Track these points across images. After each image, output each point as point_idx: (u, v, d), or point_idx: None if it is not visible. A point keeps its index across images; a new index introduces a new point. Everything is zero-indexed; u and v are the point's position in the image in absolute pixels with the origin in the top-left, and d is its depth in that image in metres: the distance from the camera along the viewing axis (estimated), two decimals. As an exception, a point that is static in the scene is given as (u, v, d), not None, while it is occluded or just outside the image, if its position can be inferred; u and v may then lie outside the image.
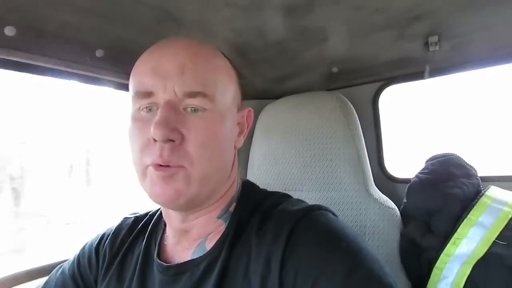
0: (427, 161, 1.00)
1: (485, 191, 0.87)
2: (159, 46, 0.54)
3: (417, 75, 1.13)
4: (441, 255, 0.81)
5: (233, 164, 0.60)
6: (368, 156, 1.03)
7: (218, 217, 0.58)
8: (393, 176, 1.21)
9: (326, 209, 0.55)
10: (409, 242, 0.87)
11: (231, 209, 0.59)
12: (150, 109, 0.51)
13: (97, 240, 0.69)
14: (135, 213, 0.74)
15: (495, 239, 0.77)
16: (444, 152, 0.99)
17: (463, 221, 0.82)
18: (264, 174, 1.09)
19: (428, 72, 0.99)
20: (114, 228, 0.70)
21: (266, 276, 0.48)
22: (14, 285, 0.79)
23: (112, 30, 0.77)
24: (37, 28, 0.70)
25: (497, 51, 0.98)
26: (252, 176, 1.14)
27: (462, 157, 0.97)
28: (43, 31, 0.71)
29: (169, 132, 0.47)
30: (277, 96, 1.20)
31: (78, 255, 0.70)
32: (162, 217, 0.65)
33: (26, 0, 0.63)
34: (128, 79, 0.96)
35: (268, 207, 0.57)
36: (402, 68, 1.12)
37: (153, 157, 0.48)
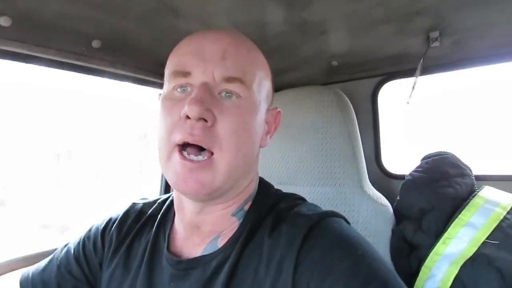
0: (422, 159, 1.00)
1: (478, 192, 0.87)
2: (202, 32, 0.55)
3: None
4: (431, 253, 0.82)
5: (256, 162, 0.60)
6: (366, 151, 1.03)
7: (233, 214, 0.57)
8: (390, 172, 1.22)
9: (340, 216, 0.55)
10: (400, 239, 0.88)
11: (246, 207, 0.58)
12: (184, 90, 0.52)
13: (104, 224, 0.69)
14: (143, 199, 0.73)
15: (486, 239, 0.77)
16: (440, 151, 0.99)
17: (454, 221, 0.82)
18: (259, 167, 1.09)
19: (422, 69, 0.98)
20: (121, 213, 0.69)
21: (277, 280, 0.48)
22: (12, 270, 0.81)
23: (109, 21, 0.77)
24: (33, 18, 0.69)
25: (498, 49, 0.97)
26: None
27: (457, 156, 0.96)
28: (39, 21, 0.70)
29: (203, 111, 0.47)
30: (276, 89, 1.19)
31: (84, 237, 0.69)
32: (172, 207, 0.64)
33: None
34: (125, 69, 0.97)
35: (282, 209, 0.56)
36: (402, 63, 1.11)
37: (184, 134, 0.48)
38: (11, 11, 0.66)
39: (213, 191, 0.50)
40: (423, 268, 0.82)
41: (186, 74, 0.51)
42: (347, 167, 0.97)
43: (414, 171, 0.98)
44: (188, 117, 0.48)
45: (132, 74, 0.99)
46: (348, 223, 0.55)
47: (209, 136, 0.48)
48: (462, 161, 0.96)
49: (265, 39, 0.95)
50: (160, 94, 0.57)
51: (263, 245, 0.52)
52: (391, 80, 1.20)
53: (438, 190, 0.88)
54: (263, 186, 0.63)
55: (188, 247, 0.58)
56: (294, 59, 1.10)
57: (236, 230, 0.56)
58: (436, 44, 0.91)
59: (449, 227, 0.82)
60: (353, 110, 1.03)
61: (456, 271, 0.76)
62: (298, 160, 1.03)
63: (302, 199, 0.61)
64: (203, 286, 0.52)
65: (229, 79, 0.50)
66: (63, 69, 0.83)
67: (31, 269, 0.69)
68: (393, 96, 1.24)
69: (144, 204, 0.71)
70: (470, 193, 0.88)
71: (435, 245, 0.82)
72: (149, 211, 0.68)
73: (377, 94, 1.22)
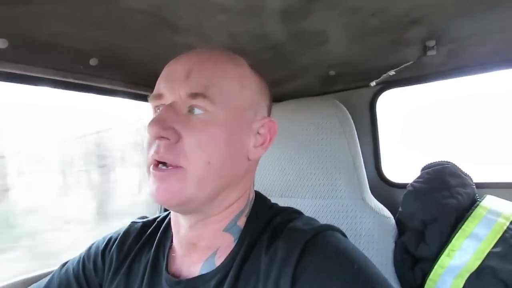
0: (422, 170, 1.00)
1: (480, 201, 0.86)
2: (180, 55, 0.57)
3: (414, 80, 1.13)
4: (435, 266, 0.81)
5: (245, 175, 0.59)
6: (366, 160, 1.02)
7: (225, 230, 0.57)
8: (390, 181, 1.21)
9: (336, 230, 0.54)
10: (403, 251, 0.87)
11: (240, 223, 0.58)
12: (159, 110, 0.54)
13: (104, 243, 0.69)
14: (143, 218, 0.73)
15: (490, 250, 0.76)
16: (440, 161, 0.98)
17: (457, 232, 0.82)
18: (259, 180, 1.09)
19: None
20: (121, 233, 0.69)
21: None
22: None
23: (106, 38, 0.76)
24: (30, 39, 0.69)
25: (494, 57, 0.97)
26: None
27: (458, 166, 0.96)
28: (35, 42, 0.70)
29: (161, 130, 0.49)
30: (274, 100, 1.19)
31: (84, 256, 0.69)
32: (170, 225, 0.64)
33: (17, 12, 0.62)
34: (123, 86, 0.97)
35: (278, 224, 0.56)
36: (400, 72, 1.11)
37: (152, 152, 0.51)
38: (7, 33, 0.66)
39: (185, 200, 0.51)
40: (428, 281, 0.82)
41: (159, 96, 0.54)
42: (348, 179, 0.97)
43: (415, 181, 0.98)
44: None
45: (130, 90, 0.99)
46: (345, 235, 0.55)
47: (174, 154, 0.50)
48: (463, 170, 0.96)
49: (263, 50, 0.95)
50: None
51: (260, 263, 0.52)
52: (389, 89, 1.20)
53: (440, 201, 0.87)
54: (259, 200, 0.63)
55: (187, 265, 0.58)
56: (292, 69, 1.10)
57: (233, 248, 0.55)
58: (433, 52, 0.91)
59: (452, 238, 0.82)
60: (352, 121, 1.03)
61: (462, 285, 0.76)
62: (298, 172, 1.02)
63: (299, 213, 0.61)
64: None
65: (192, 95, 0.51)
66: (61, 88, 0.83)
67: None
68: (392, 105, 1.25)
69: (144, 223, 0.71)
70: (472, 203, 0.87)
71: (439, 258, 0.81)
72: (149, 230, 0.68)
73: (375, 103, 1.22)
